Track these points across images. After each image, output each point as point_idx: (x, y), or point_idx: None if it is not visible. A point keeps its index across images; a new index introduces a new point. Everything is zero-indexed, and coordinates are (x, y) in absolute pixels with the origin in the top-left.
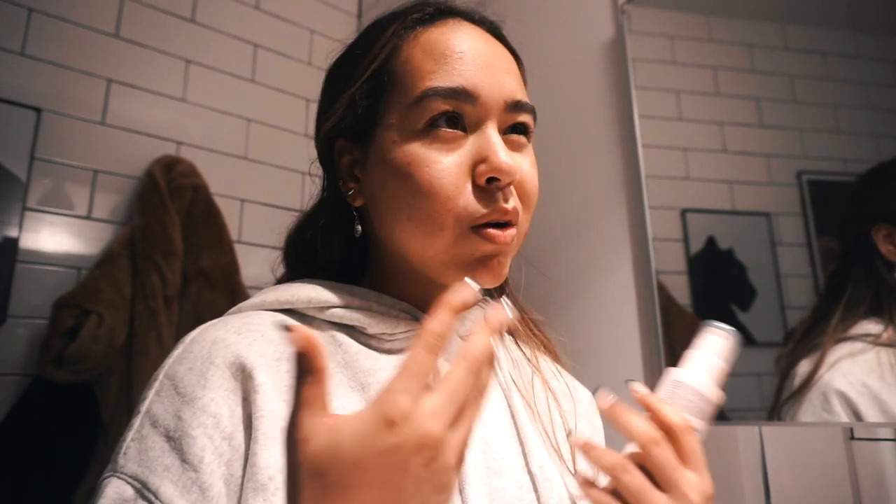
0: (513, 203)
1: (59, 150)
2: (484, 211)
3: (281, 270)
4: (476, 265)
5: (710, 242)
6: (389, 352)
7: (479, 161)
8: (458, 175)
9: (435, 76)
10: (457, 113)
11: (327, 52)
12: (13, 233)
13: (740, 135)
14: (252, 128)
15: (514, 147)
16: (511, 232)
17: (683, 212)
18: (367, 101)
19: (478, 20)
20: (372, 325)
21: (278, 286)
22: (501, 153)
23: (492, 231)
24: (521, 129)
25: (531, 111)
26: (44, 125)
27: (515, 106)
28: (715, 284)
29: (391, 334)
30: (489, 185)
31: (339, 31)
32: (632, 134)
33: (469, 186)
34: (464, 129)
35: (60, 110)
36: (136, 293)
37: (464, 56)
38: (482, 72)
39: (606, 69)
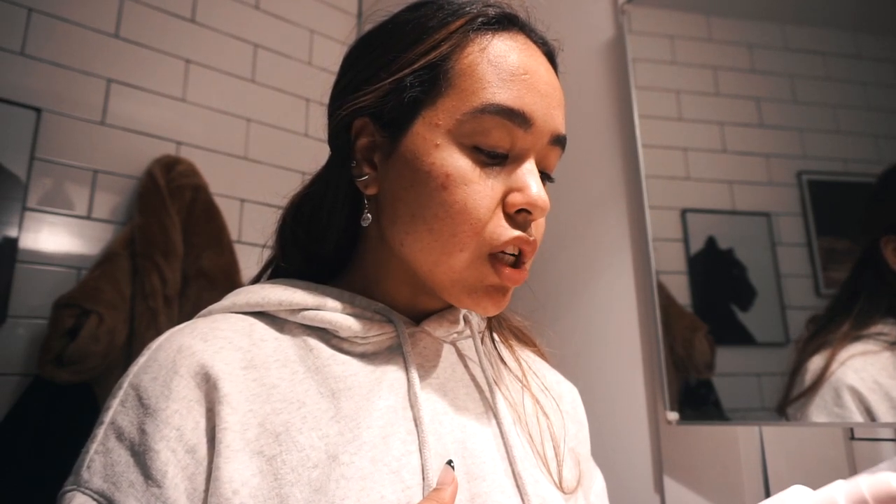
0: (534, 237)
1: (59, 150)
2: (506, 238)
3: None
4: (481, 293)
5: (710, 242)
6: (363, 355)
7: (514, 189)
8: (493, 199)
9: (498, 91)
10: (509, 139)
11: (327, 52)
12: (13, 233)
13: (740, 135)
14: (252, 128)
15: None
16: (521, 274)
17: (683, 212)
18: (417, 92)
19: (539, 40)
20: (344, 329)
21: (249, 287)
22: (537, 187)
23: (505, 269)
24: (548, 175)
25: (565, 144)
26: (44, 125)
27: (558, 139)
28: (715, 284)
29: (364, 337)
30: (517, 215)
31: (339, 31)
32: (632, 134)
33: (500, 213)
34: (506, 153)
35: (60, 110)
36: (136, 293)
37: (528, 79)
38: (542, 100)
39: (606, 69)
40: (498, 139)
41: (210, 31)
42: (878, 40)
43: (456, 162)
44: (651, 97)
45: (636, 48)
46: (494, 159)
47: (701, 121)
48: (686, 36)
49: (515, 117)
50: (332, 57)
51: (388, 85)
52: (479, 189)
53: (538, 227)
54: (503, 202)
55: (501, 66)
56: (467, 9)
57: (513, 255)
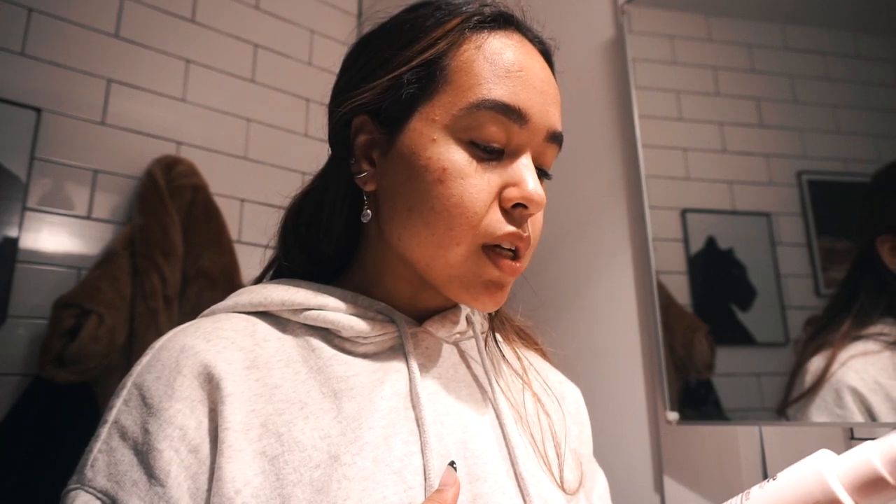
0: (529, 232)
1: (59, 150)
2: (502, 232)
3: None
4: (479, 288)
5: (710, 242)
6: (364, 355)
7: (510, 184)
8: (490, 194)
9: (494, 87)
10: (505, 135)
11: (327, 52)
12: (13, 233)
13: (740, 135)
14: (252, 128)
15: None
16: (519, 265)
17: (683, 212)
18: (414, 88)
19: (534, 39)
20: (346, 329)
21: (252, 287)
22: (533, 182)
23: (503, 261)
24: (545, 172)
25: (562, 142)
26: (44, 125)
27: (554, 136)
28: (715, 284)
29: (366, 337)
30: (513, 210)
31: (339, 31)
32: (632, 134)
33: (496, 207)
34: (502, 148)
35: (60, 110)
36: (136, 293)
37: (523, 76)
38: (537, 97)
39: (606, 69)
40: (494, 134)
41: (210, 31)
42: (878, 40)
43: (452, 156)
44: (651, 97)
45: (636, 48)
46: (491, 154)
47: (701, 121)
48: (686, 36)
49: (511, 113)
50: (332, 57)
51: (386, 82)
52: (476, 183)
53: (535, 223)
54: (499, 197)
55: (497, 62)
56: (464, 8)
57: (509, 250)
